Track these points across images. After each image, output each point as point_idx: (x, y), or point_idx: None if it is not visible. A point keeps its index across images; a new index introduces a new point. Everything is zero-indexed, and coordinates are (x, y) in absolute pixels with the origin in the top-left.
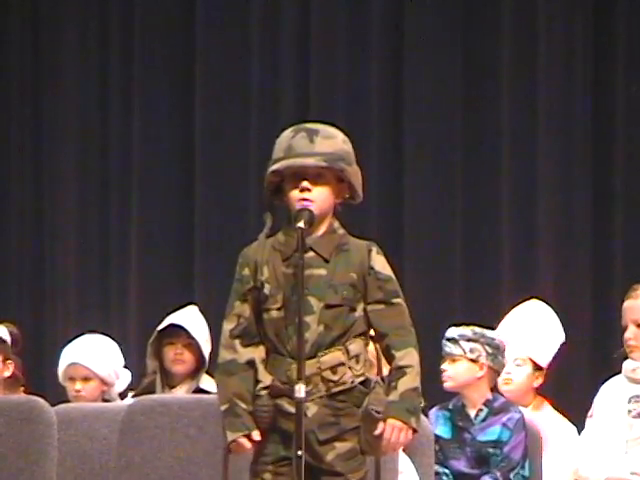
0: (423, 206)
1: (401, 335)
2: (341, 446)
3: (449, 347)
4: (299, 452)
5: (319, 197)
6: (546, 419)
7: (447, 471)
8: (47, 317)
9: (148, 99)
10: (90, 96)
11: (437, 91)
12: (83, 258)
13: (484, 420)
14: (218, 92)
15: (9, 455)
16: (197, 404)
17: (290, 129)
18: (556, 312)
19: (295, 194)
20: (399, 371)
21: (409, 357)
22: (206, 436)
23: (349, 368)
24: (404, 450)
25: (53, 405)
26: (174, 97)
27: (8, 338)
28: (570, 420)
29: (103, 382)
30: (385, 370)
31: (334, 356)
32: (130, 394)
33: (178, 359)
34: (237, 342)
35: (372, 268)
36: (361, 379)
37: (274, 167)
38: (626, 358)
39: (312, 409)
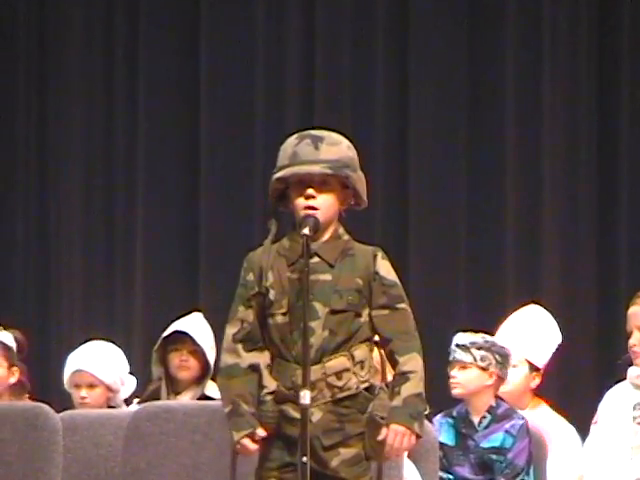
0: (428, 211)
1: (405, 340)
2: (346, 452)
3: (459, 354)
4: (304, 458)
5: (324, 204)
6: (544, 418)
7: (451, 477)
8: (52, 324)
9: (153, 103)
10: (95, 100)
11: (442, 92)
12: (88, 265)
13: (487, 427)
14: (223, 94)
15: (15, 461)
16: (202, 410)
17: (295, 136)
18: (561, 318)
19: (300, 201)
20: (402, 377)
21: (413, 362)
22: (211, 442)
23: (354, 374)
24: (409, 456)
25: (58, 412)
26: (179, 100)
27: (14, 345)
28: (572, 424)
29: (108, 389)
30: (389, 376)
31: (339, 362)
32: (135, 401)
33: (183, 366)
34: (240, 346)
35: (377, 273)
36: (366, 385)
37: (279, 174)
38: (631, 364)
39: (317, 415)
